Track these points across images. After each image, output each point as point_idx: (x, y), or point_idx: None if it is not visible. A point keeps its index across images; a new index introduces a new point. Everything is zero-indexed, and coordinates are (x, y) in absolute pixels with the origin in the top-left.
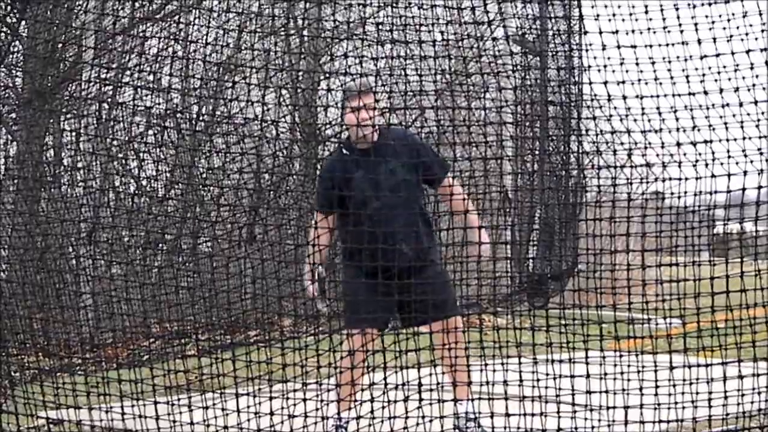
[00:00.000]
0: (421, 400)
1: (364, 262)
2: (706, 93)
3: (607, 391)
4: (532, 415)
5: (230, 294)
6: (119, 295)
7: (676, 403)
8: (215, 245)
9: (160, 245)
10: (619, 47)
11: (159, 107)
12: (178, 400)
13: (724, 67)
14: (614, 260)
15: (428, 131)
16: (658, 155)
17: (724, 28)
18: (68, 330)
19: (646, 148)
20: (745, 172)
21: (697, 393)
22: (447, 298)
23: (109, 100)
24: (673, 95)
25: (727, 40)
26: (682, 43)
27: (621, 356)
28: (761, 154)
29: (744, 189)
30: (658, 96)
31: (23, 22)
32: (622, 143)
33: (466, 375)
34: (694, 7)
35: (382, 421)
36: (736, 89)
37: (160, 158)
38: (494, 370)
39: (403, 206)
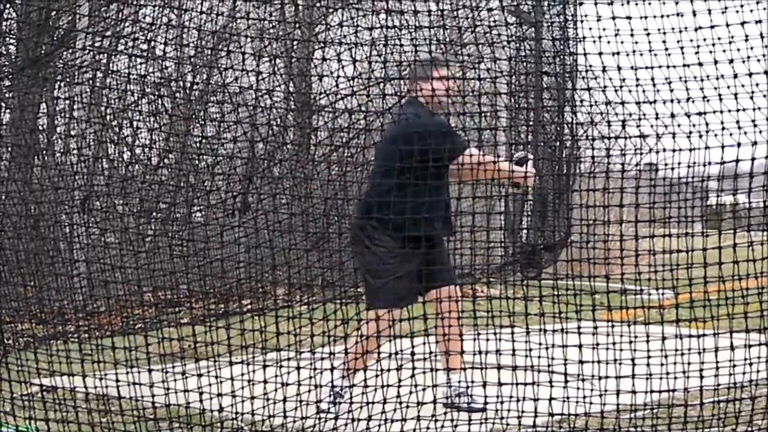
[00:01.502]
0: (414, 369)
1: (412, 232)
2: (700, 64)
3: (599, 361)
4: (525, 384)
5: (224, 263)
6: (113, 263)
7: (667, 373)
8: (209, 214)
9: (154, 213)
10: (614, 18)
11: (153, 75)
12: (172, 367)
13: (719, 38)
14: (607, 231)
15: (423, 101)
16: (652, 126)
17: (719, 0)
18: (62, 297)
19: (640, 119)
20: (738, 144)
21: (689, 364)
22: (448, 267)
23: (103, 68)
24: (668, 66)
25: (722, 12)
26: (677, 14)
27: (613, 327)
28: (755, 125)
29: (738, 161)
30: (652, 67)
31: None
32: (616, 114)
33: (459, 345)
34: None
35: (375, 390)
36: (731, 61)
37: (154, 126)
38: (487, 340)
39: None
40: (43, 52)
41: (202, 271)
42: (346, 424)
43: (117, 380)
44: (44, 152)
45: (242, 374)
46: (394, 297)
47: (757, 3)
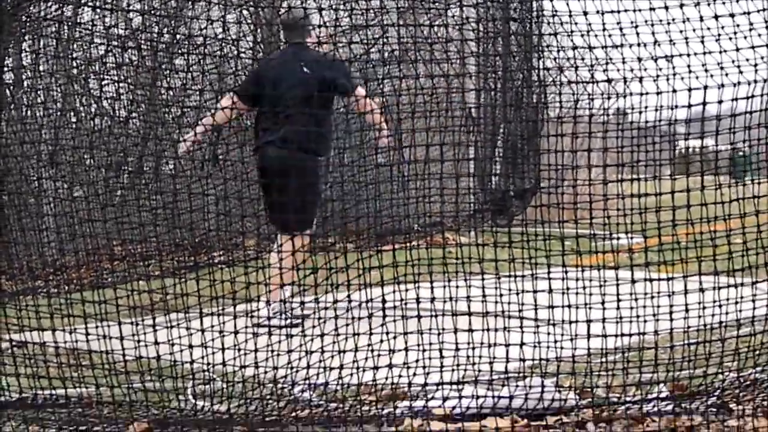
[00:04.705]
0: (384, 317)
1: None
2: (666, 8)
3: (569, 306)
4: (495, 330)
5: (193, 214)
6: (82, 217)
7: (638, 317)
8: (177, 166)
9: (123, 167)
10: None
11: (119, 27)
12: (143, 320)
13: None
14: (576, 176)
15: (390, 49)
16: (619, 71)
17: None
18: (30, 252)
19: (607, 64)
20: (705, 87)
21: (659, 307)
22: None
23: (69, 20)
24: (634, 10)
25: None
26: None
27: (583, 271)
28: (722, 68)
29: (705, 103)
30: (619, 11)
31: None
32: (583, 59)
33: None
34: None
35: (346, 339)
36: (697, 3)
37: (120, 79)
38: (457, 287)
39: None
40: (8, 5)
41: (172, 224)
42: (318, 374)
43: (87, 334)
44: (10, 107)
45: (212, 326)
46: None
47: None
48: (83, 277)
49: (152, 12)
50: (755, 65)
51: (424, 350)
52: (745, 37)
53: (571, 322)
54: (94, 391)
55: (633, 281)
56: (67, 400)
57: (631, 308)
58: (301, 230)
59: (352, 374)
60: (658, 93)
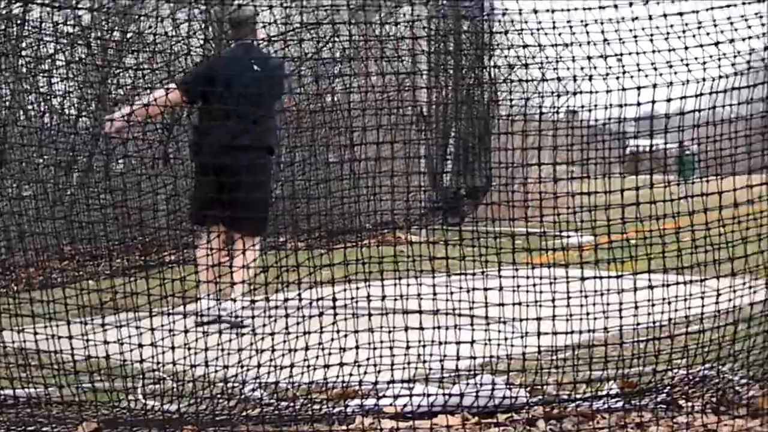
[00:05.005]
0: (335, 315)
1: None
2: (616, 7)
3: (520, 304)
4: (446, 328)
5: (144, 213)
6: (30, 216)
7: (587, 314)
8: (128, 164)
9: (72, 167)
10: None
11: (68, 25)
12: (92, 320)
13: None
14: (527, 174)
15: (342, 47)
16: (569, 69)
17: None
18: None
19: (557, 62)
20: (654, 85)
21: (609, 304)
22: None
23: (17, 18)
24: (584, 9)
25: None
26: None
27: (533, 269)
28: (670, 67)
29: (654, 102)
30: (569, 10)
31: None
32: (533, 57)
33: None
34: None
35: (297, 337)
36: (646, 2)
37: (69, 77)
38: (408, 285)
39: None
40: None
41: (122, 223)
42: (268, 373)
43: (36, 334)
44: None
45: (162, 325)
46: None
47: None
48: (32, 277)
49: (102, 9)
50: (704, 63)
51: (374, 348)
52: (694, 36)
53: (521, 320)
54: (43, 391)
55: (583, 279)
56: (16, 400)
57: (582, 306)
58: (259, 231)
59: (302, 373)
60: (607, 91)
